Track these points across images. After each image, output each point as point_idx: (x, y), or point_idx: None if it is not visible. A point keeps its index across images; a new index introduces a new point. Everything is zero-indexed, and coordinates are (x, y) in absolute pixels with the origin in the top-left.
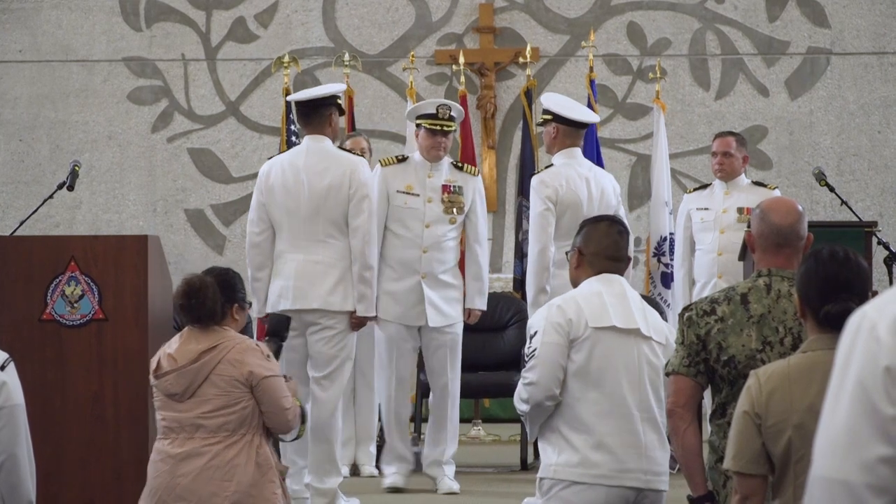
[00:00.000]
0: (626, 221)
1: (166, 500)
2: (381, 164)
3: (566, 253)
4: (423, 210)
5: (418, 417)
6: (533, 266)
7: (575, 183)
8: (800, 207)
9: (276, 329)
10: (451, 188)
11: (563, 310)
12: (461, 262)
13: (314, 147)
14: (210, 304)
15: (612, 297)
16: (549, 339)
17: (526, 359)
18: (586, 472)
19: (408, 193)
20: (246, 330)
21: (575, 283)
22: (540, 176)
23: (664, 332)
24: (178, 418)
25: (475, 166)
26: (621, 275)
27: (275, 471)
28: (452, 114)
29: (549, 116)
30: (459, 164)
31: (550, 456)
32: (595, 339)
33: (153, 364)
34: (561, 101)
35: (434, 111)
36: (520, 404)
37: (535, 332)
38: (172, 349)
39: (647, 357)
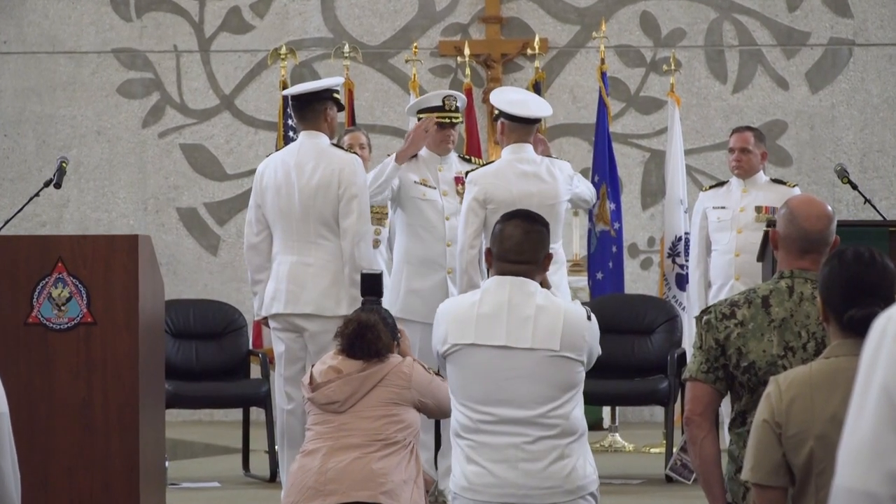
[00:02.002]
0: (588, 202)
1: (315, 488)
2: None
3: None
4: (441, 203)
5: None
6: (457, 269)
7: (510, 181)
8: (830, 210)
9: (372, 287)
10: (465, 179)
11: (438, 321)
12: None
13: (308, 144)
14: (385, 340)
15: (487, 307)
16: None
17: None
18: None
19: (424, 185)
20: None
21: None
22: (472, 174)
23: (552, 336)
24: (333, 430)
25: (481, 159)
26: (530, 277)
27: (422, 479)
28: (458, 105)
29: (496, 111)
30: (467, 157)
31: (454, 466)
32: (469, 355)
33: (305, 380)
34: (509, 95)
35: (440, 103)
36: None
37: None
38: (332, 363)
39: (518, 369)
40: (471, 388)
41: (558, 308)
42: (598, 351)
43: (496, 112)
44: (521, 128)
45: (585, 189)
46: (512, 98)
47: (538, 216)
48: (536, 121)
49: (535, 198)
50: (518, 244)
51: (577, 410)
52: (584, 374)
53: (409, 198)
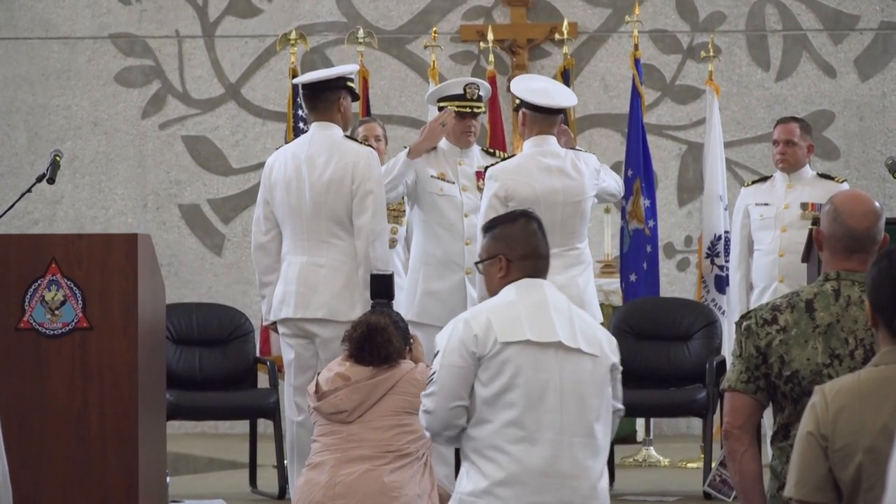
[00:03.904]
0: (615, 195)
1: (323, 502)
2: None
3: (475, 264)
4: (460, 199)
5: None
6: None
7: (533, 176)
8: (877, 206)
9: (382, 289)
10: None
11: (470, 325)
12: None
13: (320, 136)
14: (396, 344)
15: (528, 307)
16: (449, 361)
17: (427, 381)
18: (493, 502)
19: (442, 179)
20: None
21: (492, 294)
22: (492, 169)
23: (599, 341)
24: (341, 441)
25: (505, 152)
26: (545, 277)
27: (436, 493)
28: (481, 93)
29: (518, 101)
30: (490, 150)
31: (459, 483)
32: (506, 355)
33: (311, 389)
34: (531, 83)
35: (461, 91)
36: (420, 419)
37: (438, 352)
38: (339, 370)
39: (571, 372)
40: (520, 394)
41: (586, 315)
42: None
43: (517, 101)
44: (544, 119)
45: (612, 182)
46: (534, 87)
47: (534, 213)
48: (560, 111)
49: (559, 194)
50: (541, 241)
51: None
52: None
53: (426, 193)
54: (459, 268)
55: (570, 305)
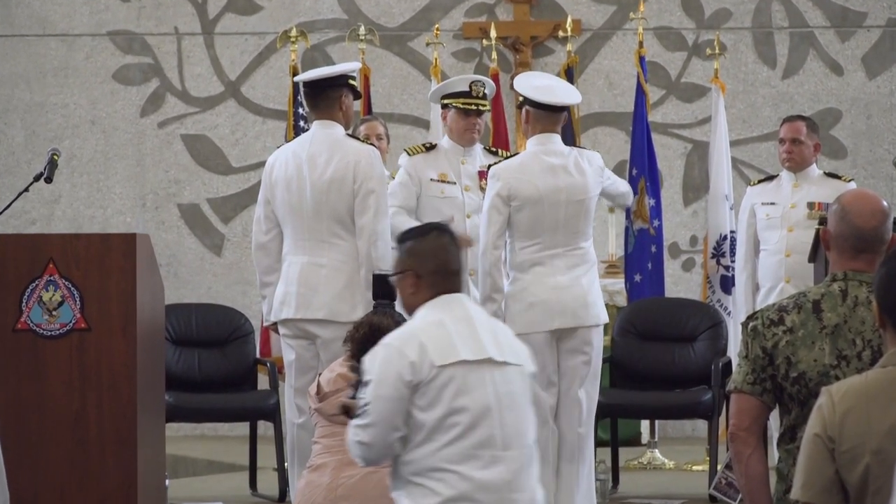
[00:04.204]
0: (625, 189)
1: None
2: (408, 154)
3: (395, 274)
4: (461, 199)
5: None
6: (479, 271)
7: (536, 175)
8: (885, 206)
9: (385, 290)
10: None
11: (404, 353)
12: None
13: (321, 135)
14: None
15: (455, 325)
16: (384, 392)
17: (358, 408)
18: None
19: (443, 182)
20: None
21: (411, 310)
22: (494, 168)
23: (520, 351)
24: (342, 442)
25: (509, 151)
26: (460, 291)
27: None
28: (486, 91)
29: (520, 98)
30: (493, 149)
31: None
32: (444, 378)
33: (312, 390)
34: (534, 80)
35: (467, 89)
36: (353, 449)
37: (370, 381)
38: (340, 370)
39: (504, 385)
40: (460, 415)
41: (502, 325)
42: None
43: (520, 99)
44: (548, 116)
45: (620, 183)
46: (537, 84)
47: (446, 226)
48: (564, 108)
49: (562, 193)
50: (453, 256)
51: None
52: None
53: (427, 197)
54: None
55: (489, 318)
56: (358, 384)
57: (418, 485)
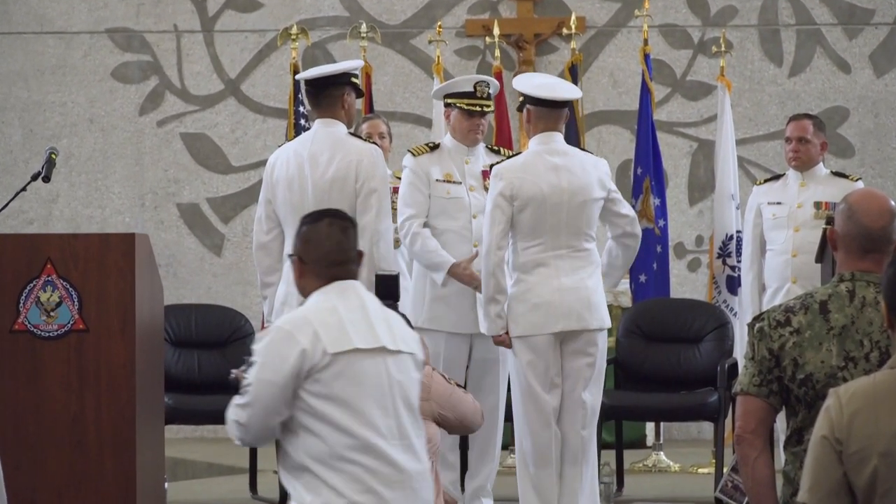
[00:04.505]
0: (628, 211)
1: None
2: (413, 154)
3: (289, 255)
4: (467, 199)
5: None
6: (482, 272)
7: (539, 175)
8: (893, 205)
9: (388, 290)
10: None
11: (295, 338)
12: None
13: (323, 133)
14: None
15: (348, 312)
16: (269, 376)
17: (242, 387)
18: None
19: (448, 182)
20: None
21: (302, 294)
22: (497, 167)
23: (411, 339)
24: None
25: (512, 151)
26: (354, 278)
27: (442, 500)
28: (490, 92)
29: (521, 98)
30: (495, 148)
31: (304, 496)
32: (337, 366)
33: None
34: (534, 79)
35: (471, 89)
36: (231, 428)
37: (255, 362)
38: None
39: (395, 376)
40: (354, 403)
41: (395, 313)
42: None
43: (521, 99)
44: (550, 114)
45: (625, 206)
46: (537, 82)
47: (342, 212)
48: (565, 104)
49: (565, 193)
50: (339, 245)
51: None
52: None
53: (433, 198)
54: None
55: (381, 306)
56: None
57: (317, 476)
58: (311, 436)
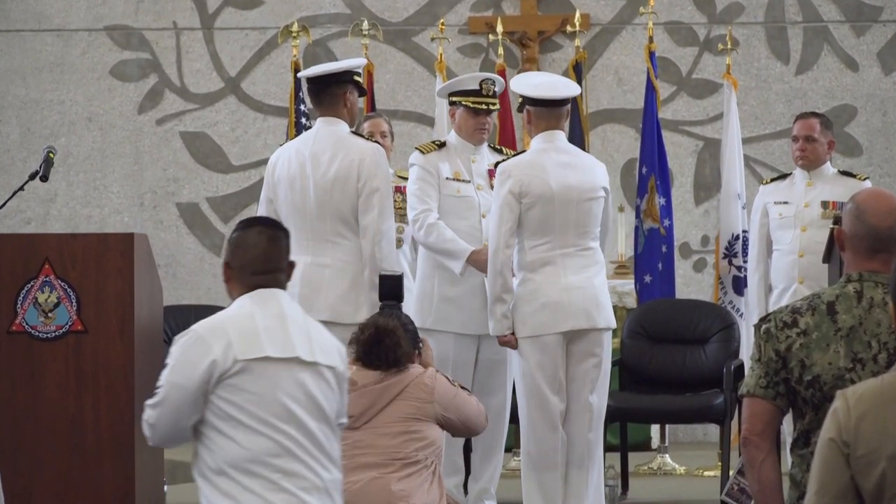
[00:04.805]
0: (614, 225)
1: None
2: (422, 152)
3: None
4: (476, 198)
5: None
6: (489, 271)
7: (547, 172)
8: None
9: (392, 291)
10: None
11: (208, 343)
12: None
13: (325, 132)
14: (405, 347)
15: (266, 320)
16: (180, 380)
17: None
18: None
19: (457, 180)
20: None
21: (231, 299)
22: (504, 164)
23: (333, 351)
24: (347, 448)
25: (515, 151)
26: (281, 287)
27: (445, 503)
28: (496, 89)
29: (520, 99)
30: (498, 147)
31: (219, 501)
32: (247, 373)
33: None
34: (531, 79)
35: (477, 87)
36: (144, 428)
37: (168, 364)
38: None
39: (309, 387)
40: (264, 411)
41: (321, 325)
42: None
43: (520, 100)
44: (550, 112)
45: (608, 217)
46: (534, 81)
47: (277, 222)
48: (565, 103)
49: (573, 191)
50: (264, 254)
51: None
52: None
53: (443, 196)
54: (478, 271)
55: (305, 317)
56: None
57: (233, 480)
58: (227, 440)
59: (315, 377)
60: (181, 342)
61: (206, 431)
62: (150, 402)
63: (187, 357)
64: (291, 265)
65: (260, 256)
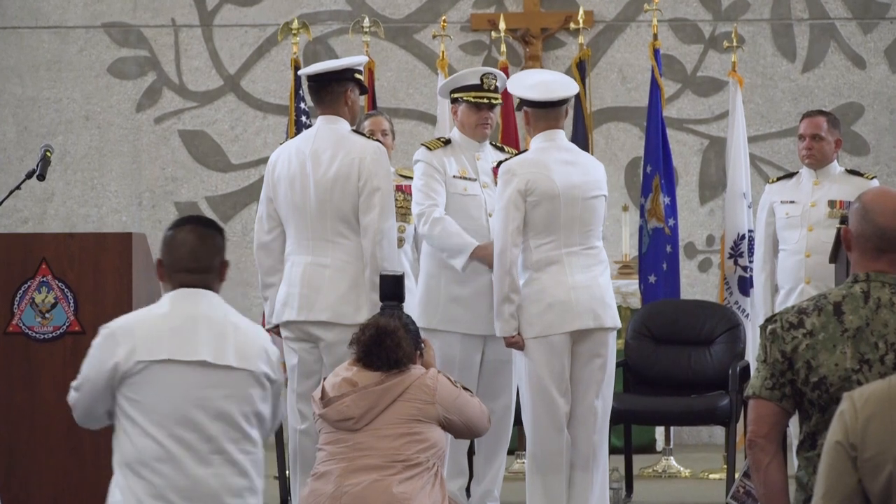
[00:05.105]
0: (600, 224)
1: None
2: (429, 148)
3: None
4: (482, 196)
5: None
6: (495, 271)
7: (552, 170)
8: None
9: (393, 291)
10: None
11: (116, 341)
12: None
13: (325, 130)
14: (406, 348)
15: (177, 321)
16: (90, 373)
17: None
18: None
19: (464, 178)
20: None
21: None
22: (508, 163)
23: (254, 355)
24: (348, 450)
25: (518, 149)
26: (209, 287)
27: None
28: (497, 84)
29: (517, 100)
30: (499, 145)
31: (115, 492)
32: (147, 374)
33: (316, 395)
34: (527, 79)
35: (478, 82)
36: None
37: (88, 353)
38: (346, 375)
39: (216, 390)
40: (161, 411)
41: (252, 325)
42: (280, 379)
43: (517, 101)
44: (548, 114)
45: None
46: (530, 82)
47: (211, 221)
48: (563, 103)
49: (577, 189)
50: (195, 252)
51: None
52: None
53: (449, 194)
54: (485, 271)
55: (226, 319)
56: None
57: (124, 477)
58: (125, 438)
59: (226, 380)
60: (99, 337)
61: (115, 423)
62: (73, 384)
63: (97, 354)
64: (224, 265)
65: (186, 255)
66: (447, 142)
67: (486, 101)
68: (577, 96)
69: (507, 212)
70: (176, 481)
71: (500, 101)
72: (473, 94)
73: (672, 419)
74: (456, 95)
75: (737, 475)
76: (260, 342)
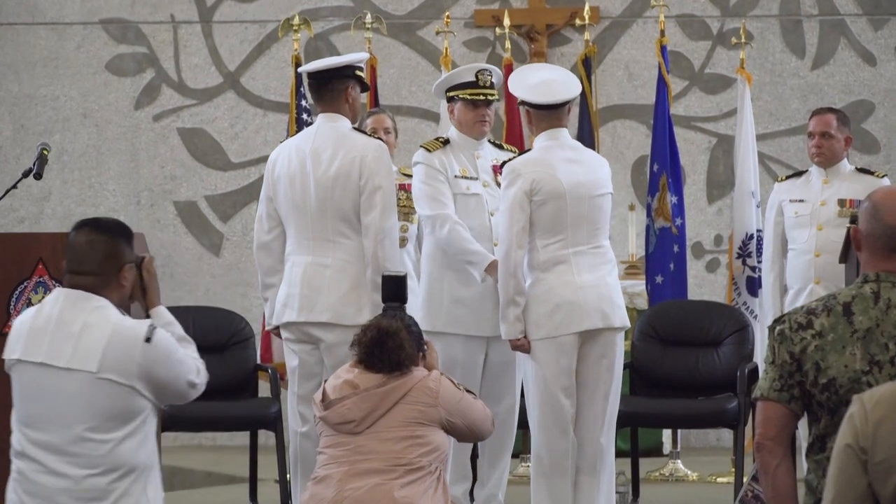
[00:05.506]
0: (603, 219)
1: None
2: (428, 150)
3: None
4: (484, 196)
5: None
6: (500, 273)
7: (557, 168)
8: None
9: (395, 291)
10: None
11: (10, 339)
12: None
13: (326, 128)
14: (409, 349)
15: (41, 321)
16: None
17: None
18: None
19: (466, 178)
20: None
21: None
22: (511, 163)
23: (103, 356)
24: (349, 453)
25: (521, 148)
26: (95, 290)
27: None
28: (493, 80)
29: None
30: (498, 143)
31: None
32: (14, 372)
33: (317, 397)
34: (528, 79)
35: (473, 78)
36: None
37: None
38: (347, 377)
39: (68, 390)
40: (20, 408)
41: (107, 325)
42: (172, 377)
43: (518, 100)
44: (550, 114)
45: None
46: (532, 81)
47: (112, 224)
48: (566, 103)
49: (583, 187)
50: (79, 254)
51: (133, 444)
52: (150, 405)
53: (452, 194)
54: None
55: (85, 320)
56: None
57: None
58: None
59: (75, 382)
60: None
61: None
62: None
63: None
64: (121, 269)
65: (72, 257)
66: (446, 142)
67: (482, 97)
68: (583, 93)
69: (511, 213)
70: (28, 476)
71: (496, 97)
72: (470, 91)
73: (679, 422)
74: (452, 94)
75: (745, 479)
76: (101, 343)
